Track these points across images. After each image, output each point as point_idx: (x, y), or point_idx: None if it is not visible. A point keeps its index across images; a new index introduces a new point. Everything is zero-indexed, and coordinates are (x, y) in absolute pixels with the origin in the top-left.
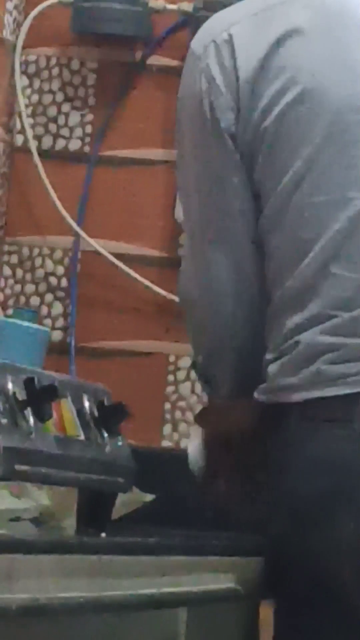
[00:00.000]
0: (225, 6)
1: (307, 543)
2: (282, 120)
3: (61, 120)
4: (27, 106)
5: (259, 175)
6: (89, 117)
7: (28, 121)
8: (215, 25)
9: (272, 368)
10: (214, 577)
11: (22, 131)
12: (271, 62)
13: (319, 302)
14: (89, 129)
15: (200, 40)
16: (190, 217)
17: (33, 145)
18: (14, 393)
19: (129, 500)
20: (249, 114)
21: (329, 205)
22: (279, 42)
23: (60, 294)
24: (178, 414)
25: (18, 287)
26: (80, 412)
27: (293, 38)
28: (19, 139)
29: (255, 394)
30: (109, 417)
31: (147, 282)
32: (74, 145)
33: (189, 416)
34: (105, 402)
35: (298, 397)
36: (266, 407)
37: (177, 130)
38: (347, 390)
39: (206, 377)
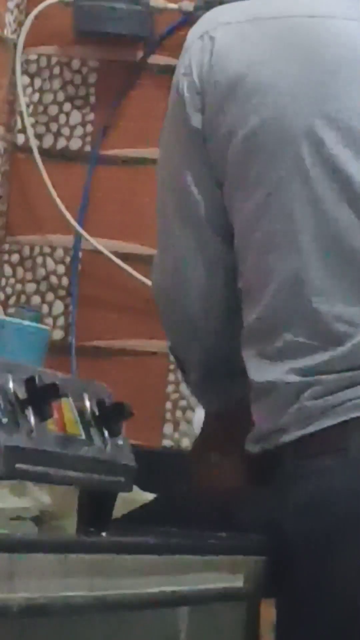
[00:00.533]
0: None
1: (319, 569)
2: (247, 144)
3: (62, 119)
4: (28, 105)
5: (227, 188)
6: (90, 116)
7: (29, 120)
8: (210, 19)
9: (256, 415)
10: (215, 577)
11: (23, 130)
12: (238, 89)
13: (286, 338)
14: (90, 128)
15: (193, 32)
16: (163, 206)
17: (34, 144)
18: (15, 392)
19: (130, 499)
20: (216, 127)
21: (291, 234)
22: (248, 69)
23: (61, 293)
24: (179, 413)
25: (19, 286)
26: (81, 411)
27: (261, 67)
28: (20, 138)
29: (247, 447)
30: (110, 416)
31: (147, 281)
32: (75, 144)
33: (190, 415)
34: (106, 402)
35: (289, 437)
36: (259, 457)
37: (165, 130)
38: (336, 420)
39: (178, 361)
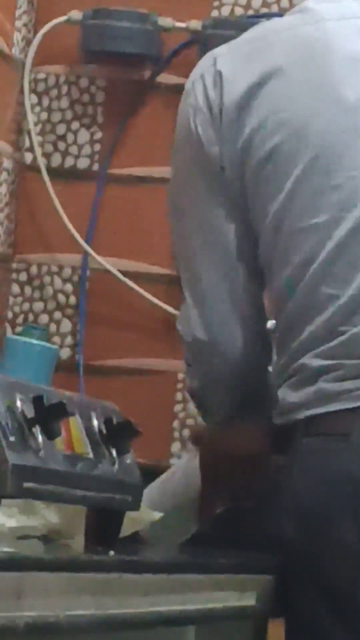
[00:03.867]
0: (233, 24)
1: (313, 553)
2: (263, 154)
3: (70, 138)
4: (36, 124)
5: (250, 206)
6: (98, 135)
7: (37, 139)
8: (204, 61)
9: (280, 392)
10: (222, 595)
11: (31, 149)
12: (253, 98)
13: (314, 325)
14: (97, 147)
15: (190, 78)
16: (186, 249)
17: (42, 163)
18: (23, 411)
19: (138, 518)
20: (232, 148)
21: (320, 227)
22: (260, 80)
23: (69, 311)
24: (186, 431)
25: (27, 305)
26: (88, 430)
27: (273, 77)
28: (27, 157)
29: (273, 419)
30: (118, 435)
31: (155, 300)
32: (83, 163)
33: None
34: (114, 420)
35: (301, 414)
36: (278, 430)
37: (172, 176)
38: (346, 406)
39: (201, 403)
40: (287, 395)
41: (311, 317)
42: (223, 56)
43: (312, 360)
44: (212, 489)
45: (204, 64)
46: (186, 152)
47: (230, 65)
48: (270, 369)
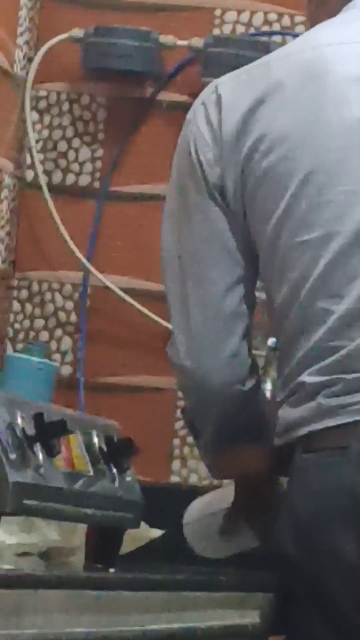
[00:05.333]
0: (235, 42)
1: (313, 569)
2: (260, 173)
3: (71, 155)
4: (37, 141)
5: (250, 227)
6: (99, 152)
7: (38, 156)
8: (206, 90)
9: (280, 411)
10: (222, 613)
11: (32, 166)
12: (252, 118)
13: (311, 342)
14: (99, 164)
15: (192, 107)
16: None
17: (43, 180)
18: (23, 428)
19: (138, 535)
20: (232, 167)
21: (314, 242)
22: (259, 100)
23: (70, 329)
24: (187, 449)
25: (27, 322)
26: (89, 447)
27: (272, 96)
28: (29, 175)
29: (274, 440)
30: (118, 452)
31: (156, 318)
32: (84, 180)
33: (198, 452)
34: (114, 438)
35: (301, 431)
36: (281, 450)
37: (169, 203)
38: (344, 420)
39: (191, 426)
40: (286, 413)
41: (308, 333)
42: (224, 84)
43: (310, 378)
44: (238, 505)
45: (205, 93)
46: (183, 171)
47: (230, 91)
48: (266, 395)
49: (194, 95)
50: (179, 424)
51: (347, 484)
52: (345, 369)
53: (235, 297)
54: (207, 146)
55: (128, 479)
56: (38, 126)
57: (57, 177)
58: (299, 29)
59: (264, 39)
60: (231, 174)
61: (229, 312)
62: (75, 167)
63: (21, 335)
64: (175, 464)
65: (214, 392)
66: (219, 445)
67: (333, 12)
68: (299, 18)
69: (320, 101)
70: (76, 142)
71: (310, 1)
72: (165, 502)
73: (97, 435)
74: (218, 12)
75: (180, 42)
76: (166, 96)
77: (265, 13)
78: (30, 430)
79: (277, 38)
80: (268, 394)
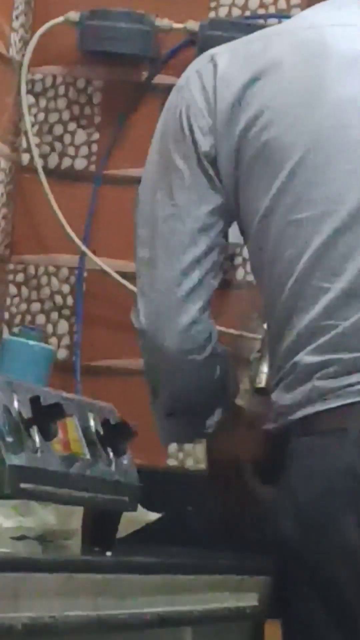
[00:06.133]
0: (230, 25)
1: (312, 550)
2: (256, 149)
3: (67, 139)
4: (33, 125)
5: (240, 201)
6: (95, 135)
7: (34, 140)
8: (200, 59)
9: (274, 396)
10: (219, 596)
11: (28, 150)
12: (250, 92)
13: (305, 320)
14: (95, 147)
15: (184, 74)
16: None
17: (39, 164)
18: (20, 411)
19: (135, 519)
20: (227, 139)
21: (310, 220)
22: (258, 74)
23: (66, 312)
24: None
25: (24, 306)
26: (85, 430)
27: (272, 71)
28: (24, 158)
29: (266, 425)
30: (115, 435)
31: None
32: (80, 164)
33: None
34: (111, 421)
35: (297, 415)
36: (273, 435)
37: (148, 166)
38: (342, 402)
39: (149, 385)
40: (280, 397)
41: (302, 312)
42: (220, 55)
43: (305, 358)
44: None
45: (200, 62)
46: (169, 137)
47: (227, 63)
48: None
49: None
50: None
51: (348, 465)
52: (342, 347)
53: (202, 269)
54: (200, 114)
55: (125, 462)
56: (34, 109)
57: (53, 160)
58: (295, 11)
59: (260, 21)
60: (225, 144)
61: (192, 283)
62: (71, 150)
63: (17, 319)
64: (172, 447)
65: (169, 358)
66: (171, 409)
67: None
68: (295, 0)
69: (320, 80)
70: (72, 126)
71: None
72: (162, 486)
73: (94, 419)
74: None
75: (176, 25)
76: (162, 79)
77: None
78: (27, 414)
79: (273, 21)
80: (264, 378)
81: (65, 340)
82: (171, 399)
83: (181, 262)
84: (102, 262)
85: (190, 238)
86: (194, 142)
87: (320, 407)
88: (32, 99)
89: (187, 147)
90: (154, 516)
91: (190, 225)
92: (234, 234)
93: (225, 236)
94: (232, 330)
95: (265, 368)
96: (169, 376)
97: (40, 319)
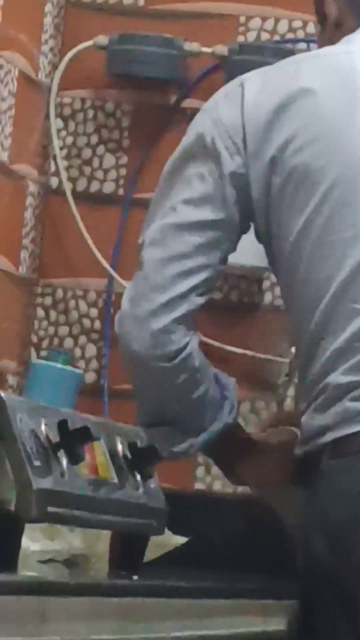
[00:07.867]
0: (259, 49)
1: (342, 567)
2: (291, 169)
3: (95, 162)
4: (61, 148)
5: (272, 224)
6: (124, 159)
7: (62, 163)
8: (231, 84)
9: (304, 417)
10: (246, 621)
11: (57, 173)
12: (281, 116)
13: (338, 341)
14: (123, 171)
15: (212, 98)
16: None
17: (67, 187)
18: (47, 435)
19: (162, 542)
20: (258, 162)
21: (343, 242)
22: (289, 99)
23: (94, 336)
24: None
25: (52, 329)
26: (113, 454)
27: (304, 96)
28: (53, 182)
29: (295, 450)
30: (142, 459)
31: None
32: (108, 187)
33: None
34: (138, 444)
35: (328, 437)
36: (302, 459)
37: (166, 185)
38: None
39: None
40: (312, 419)
41: (334, 333)
42: (250, 79)
43: (337, 378)
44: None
45: (229, 86)
46: (188, 156)
47: (258, 87)
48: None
49: None
50: None
51: None
52: None
53: (189, 283)
54: (226, 135)
55: (152, 485)
56: (62, 133)
57: (81, 184)
58: None
59: (289, 46)
60: (255, 168)
61: (174, 293)
62: (99, 174)
63: (45, 342)
64: (200, 471)
65: (138, 362)
66: (143, 420)
67: (348, 33)
68: None
69: (352, 105)
70: (100, 149)
71: (323, 31)
72: (189, 509)
73: (121, 442)
74: (242, 19)
75: (204, 49)
76: (190, 103)
77: (290, 20)
78: (55, 437)
79: (302, 45)
80: (291, 401)
81: (93, 364)
82: (143, 408)
83: (171, 271)
84: None
85: (188, 251)
86: (219, 162)
87: (352, 429)
88: (60, 123)
89: (208, 166)
90: (181, 540)
91: (192, 239)
92: (262, 257)
93: (224, 261)
94: (260, 355)
95: (292, 392)
96: (141, 383)
97: (68, 342)
